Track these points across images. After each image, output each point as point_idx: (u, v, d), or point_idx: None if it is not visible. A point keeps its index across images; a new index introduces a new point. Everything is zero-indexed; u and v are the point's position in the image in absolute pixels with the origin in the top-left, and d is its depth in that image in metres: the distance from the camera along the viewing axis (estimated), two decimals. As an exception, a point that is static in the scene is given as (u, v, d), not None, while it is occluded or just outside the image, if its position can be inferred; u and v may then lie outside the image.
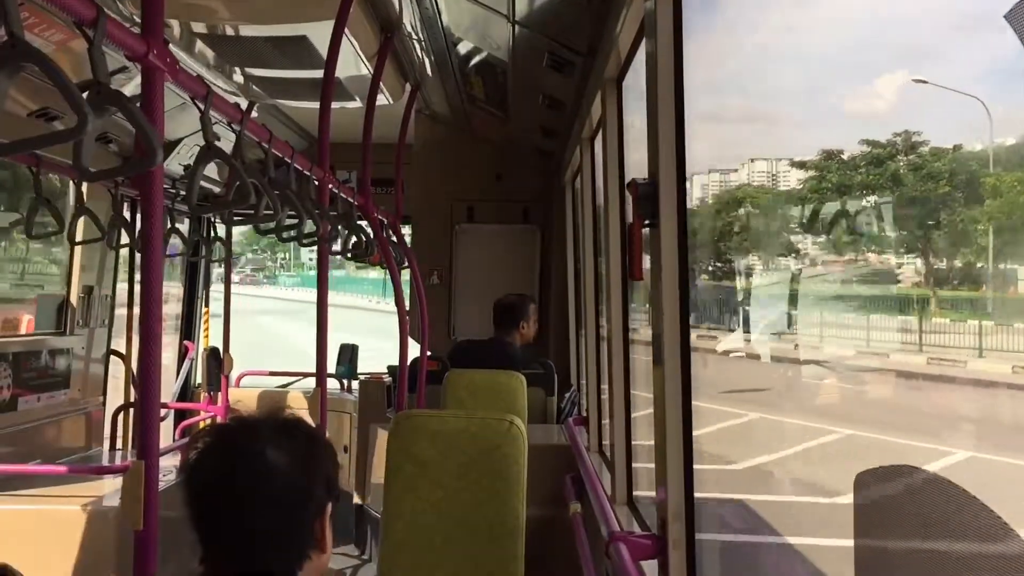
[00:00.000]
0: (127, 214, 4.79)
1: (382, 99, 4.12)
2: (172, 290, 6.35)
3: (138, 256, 5.37)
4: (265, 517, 1.43)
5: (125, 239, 4.18)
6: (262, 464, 1.44)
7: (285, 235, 3.22)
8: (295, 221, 3.25)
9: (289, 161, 3.03)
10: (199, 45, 3.49)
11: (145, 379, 1.81)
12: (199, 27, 3.29)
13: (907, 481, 1.00)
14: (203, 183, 4.85)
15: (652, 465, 1.98)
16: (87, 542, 3.22)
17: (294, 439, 1.49)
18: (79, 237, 4.10)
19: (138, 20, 1.91)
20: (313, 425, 3.09)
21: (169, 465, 3.88)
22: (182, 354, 6.29)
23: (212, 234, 5.89)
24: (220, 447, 1.48)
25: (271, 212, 2.68)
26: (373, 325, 14.42)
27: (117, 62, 3.64)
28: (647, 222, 1.95)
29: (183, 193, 5.11)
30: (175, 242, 5.15)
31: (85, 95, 1.58)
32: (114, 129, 4.19)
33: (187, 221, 5.93)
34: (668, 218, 1.92)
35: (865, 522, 1.08)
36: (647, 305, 2.60)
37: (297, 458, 1.47)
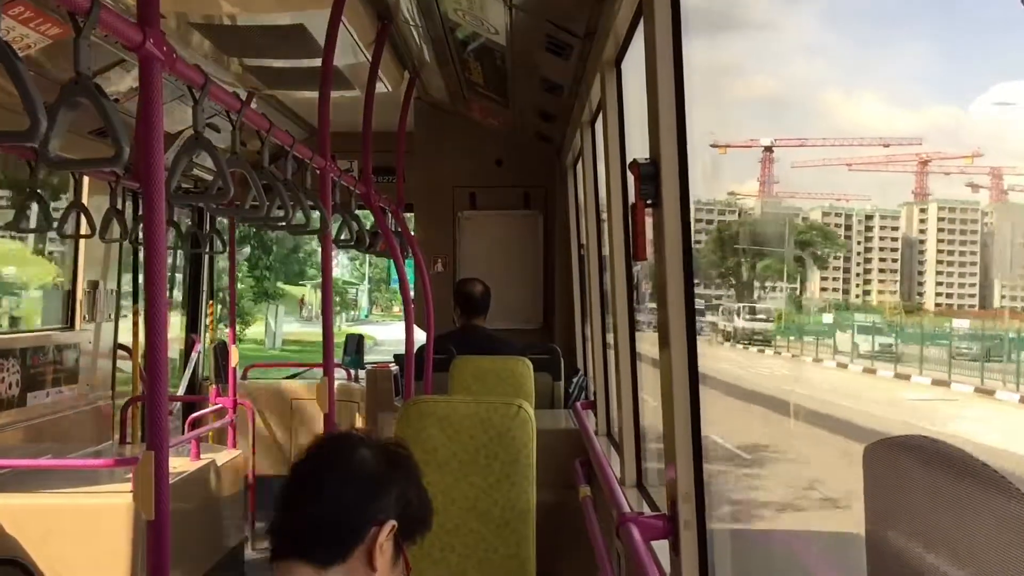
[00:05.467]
0: (129, 207, 4.79)
1: (381, 87, 4.10)
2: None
3: (141, 250, 5.38)
4: (327, 496, 1.52)
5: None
6: (344, 453, 1.57)
7: (280, 225, 3.19)
8: (281, 212, 3.20)
9: (289, 150, 3.02)
10: (196, 37, 3.47)
11: (152, 371, 1.82)
12: (196, 18, 3.28)
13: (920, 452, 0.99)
14: (203, 174, 4.86)
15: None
16: (101, 535, 3.24)
17: (384, 448, 1.61)
18: (84, 232, 4.08)
19: (135, 12, 1.90)
20: (320, 410, 3.09)
21: (180, 457, 3.90)
22: (188, 347, 6.30)
23: (210, 226, 5.88)
24: (321, 440, 1.64)
25: (261, 204, 2.67)
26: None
27: (115, 56, 3.63)
28: (649, 202, 1.95)
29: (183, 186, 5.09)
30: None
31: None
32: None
33: (189, 213, 5.93)
34: (670, 198, 1.92)
35: (875, 498, 1.07)
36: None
37: (379, 462, 1.56)
